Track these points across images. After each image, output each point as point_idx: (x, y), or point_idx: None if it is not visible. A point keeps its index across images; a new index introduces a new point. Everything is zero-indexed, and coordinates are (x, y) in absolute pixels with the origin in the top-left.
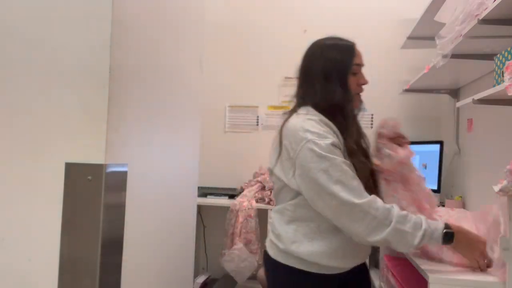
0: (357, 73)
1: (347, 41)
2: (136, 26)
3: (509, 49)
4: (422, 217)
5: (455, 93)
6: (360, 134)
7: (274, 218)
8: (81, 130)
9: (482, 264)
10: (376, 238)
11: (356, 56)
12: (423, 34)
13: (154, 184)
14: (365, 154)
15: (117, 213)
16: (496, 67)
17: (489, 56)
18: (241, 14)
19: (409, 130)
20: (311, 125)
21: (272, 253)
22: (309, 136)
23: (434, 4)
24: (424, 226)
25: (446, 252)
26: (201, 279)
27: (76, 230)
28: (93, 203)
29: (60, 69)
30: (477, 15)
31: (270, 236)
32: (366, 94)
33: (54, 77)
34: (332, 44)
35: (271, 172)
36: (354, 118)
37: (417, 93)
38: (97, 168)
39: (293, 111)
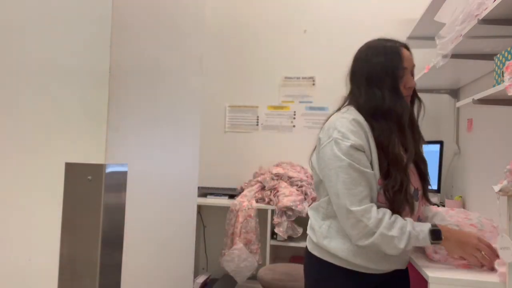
0: (404, 76)
1: (395, 42)
2: (136, 26)
3: (509, 49)
4: (409, 220)
5: (455, 93)
6: (416, 141)
7: (310, 215)
8: (81, 130)
9: (481, 257)
10: (365, 242)
11: (404, 59)
12: (423, 34)
13: (154, 184)
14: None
15: (117, 213)
16: (496, 67)
17: (489, 56)
18: (241, 14)
19: None
20: (341, 124)
21: (309, 247)
22: (335, 134)
23: (434, 4)
24: (408, 228)
25: (450, 259)
26: (201, 279)
27: (76, 230)
28: (93, 203)
29: (60, 69)
30: (477, 15)
31: (308, 230)
32: None
33: (54, 77)
34: (378, 47)
35: (311, 164)
36: (401, 123)
37: (417, 93)
38: (97, 168)
39: (338, 109)
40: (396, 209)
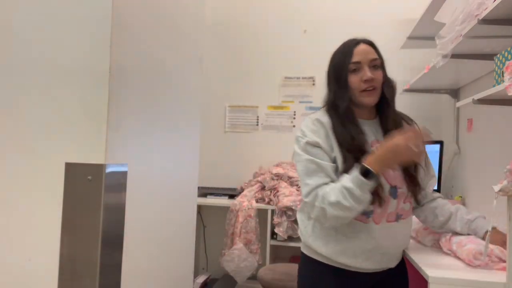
0: (358, 70)
1: (351, 40)
2: (136, 26)
3: (509, 49)
4: (344, 178)
5: (455, 93)
6: (355, 131)
7: (297, 216)
8: (81, 130)
9: (416, 147)
10: (328, 222)
11: (353, 54)
12: (423, 34)
13: (154, 184)
14: (361, 150)
15: (117, 213)
16: (496, 67)
17: (489, 56)
18: (241, 14)
19: None
20: (305, 123)
21: (301, 246)
22: (298, 133)
23: (434, 4)
24: (342, 184)
25: (490, 263)
26: (201, 279)
27: (76, 230)
28: (93, 203)
29: (60, 69)
30: (477, 15)
31: (298, 230)
32: None
33: (54, 77)
34: (338, 47)
35: None
36: (345, 115)
37: (417, 93)
38: (97, 168)
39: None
40: None
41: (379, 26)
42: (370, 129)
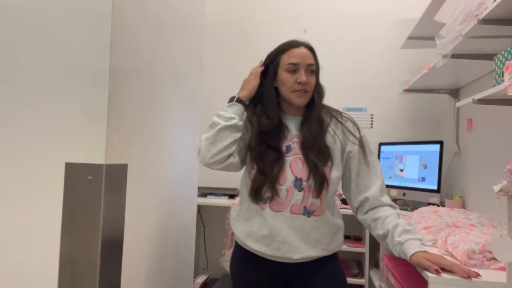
0: (294, 71)
1: (294, 41)
2: (136, 26)
3: (509, 49)
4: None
5: (455, 93)
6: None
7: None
8: (81, 130)
9: (254, 72)
10: (207, 142)
11: (289, 55)
12: (423, 34)
13: (154, 184)
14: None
15: (117, 213)
16: (496, 67)
17: (489, 56)
18: (241, 14)
19: (409, 130)
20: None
21: None
22: None
23: (434, 4)
24: (220, 115)
25: (487, 262)
26: (201, 279)
27: (76, 230)
28: (93, 203)
29: (60, 69)
30: (477, 15)
31: None
32: (366, 94)
33: (54, 77)
34: (279, 44)
35: None
36: (264, 102)
37: (417, 93)
38: (97, 168)
39: None
40: (255, 187)
41: (379, 26)
42: (293, 124)
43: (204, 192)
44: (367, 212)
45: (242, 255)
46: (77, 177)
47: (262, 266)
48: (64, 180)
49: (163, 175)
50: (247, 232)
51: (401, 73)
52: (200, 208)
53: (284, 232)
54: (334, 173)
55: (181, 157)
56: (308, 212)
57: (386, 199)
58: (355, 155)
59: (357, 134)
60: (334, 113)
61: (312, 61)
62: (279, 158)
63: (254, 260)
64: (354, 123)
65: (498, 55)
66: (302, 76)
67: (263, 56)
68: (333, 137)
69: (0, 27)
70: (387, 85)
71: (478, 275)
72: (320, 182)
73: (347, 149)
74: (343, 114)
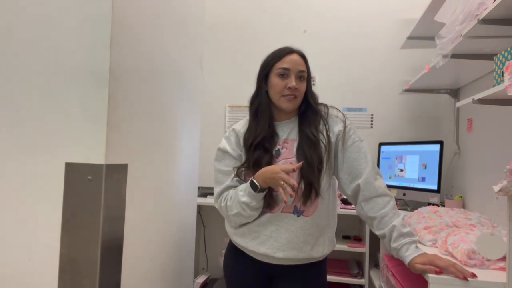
0: (284, 76)
1: (286, 47)
2: (136, 26)
3: (509, 49)
4: (239, 192)
5: (455, 93)
6: (267, 131)
7: None
8: (81, 130)
9: (282, 186)
10: (234, 220)
11: (282, 61)
12: (423, 34)
13: (154, 184)
14: (267, 150)
15: (117, 213)
16: (496, 67)
17: (489, 56)
18: (241, 14)
19: (409, 130)
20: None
21: None
22: None
23: (434, 4)
24: (242, 200)
25: (487, 262)
26: (201, 279)
27: (76, 230)
28: (93, 203)
29: (60, 69)
30: (477, 15)
31: None
32: (366, 94)
33: (54, 77)
34: (272, 51)
35: None
36: (259, 115)
37: (417, 93)
38: (97, 168)
39: None
40: None
41: (379, 26)
42: (283, 130)
43: (204, 192)
44: (362, 204)
45: (230, 250)
46: (77, 177)
47: (249, 263)
48: (64, 180)
49: (163, 175)
50: (235, 228)
51: (401, 73)
52: (200, 208)
53: (272, 227)
54: (325, 182)
55: (181, 157)
56: (298, 212)
57: (380, 182)
58: (341, 144)
59: (341, 126)
60: (322, 113)
61: (303, 68)
62: (270, 161)
63: (241, 256)
64: (337, 116)
65: (498, 55)
66: (292, 81)
67: (263, 56)
68: (324, 140)
69: (0, 27)
70: (387, 85)
71: (474, 275)
72: (309, 190)
73: (334, 143)
74: (329, 112)
